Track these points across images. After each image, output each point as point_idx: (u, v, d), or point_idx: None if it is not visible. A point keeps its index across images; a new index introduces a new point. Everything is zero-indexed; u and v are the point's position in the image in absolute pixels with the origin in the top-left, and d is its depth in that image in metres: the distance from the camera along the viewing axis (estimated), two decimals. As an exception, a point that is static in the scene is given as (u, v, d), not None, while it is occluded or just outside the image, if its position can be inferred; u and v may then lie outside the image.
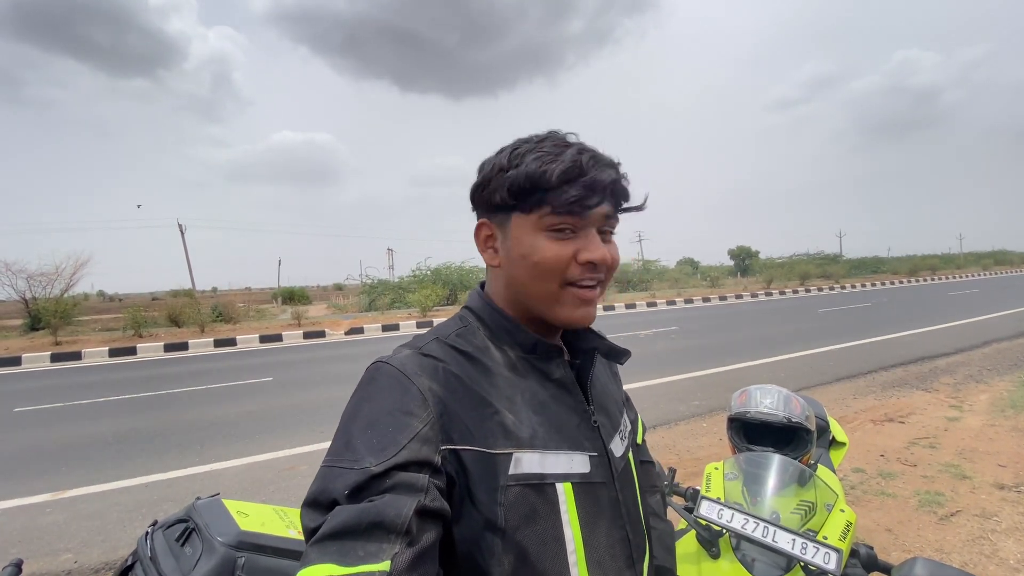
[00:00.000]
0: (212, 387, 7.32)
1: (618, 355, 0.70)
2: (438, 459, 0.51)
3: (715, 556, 1.13)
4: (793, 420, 1.47)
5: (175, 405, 6.36)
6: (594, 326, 0.70)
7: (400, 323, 14.48)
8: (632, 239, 52.90)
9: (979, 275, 34.26)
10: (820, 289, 24.55)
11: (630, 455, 0.72)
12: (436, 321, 14.77)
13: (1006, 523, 2.71)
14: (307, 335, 13.19)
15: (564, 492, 0.57)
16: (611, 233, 0.63)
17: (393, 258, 43.66)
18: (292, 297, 31.79)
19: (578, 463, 0.60)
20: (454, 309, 17.72)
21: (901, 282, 28.68)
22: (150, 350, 11.54)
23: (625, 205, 0.63)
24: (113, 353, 11.27)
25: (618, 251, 0.64)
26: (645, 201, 0.65)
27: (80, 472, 4.18)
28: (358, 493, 0.47)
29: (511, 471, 0.54)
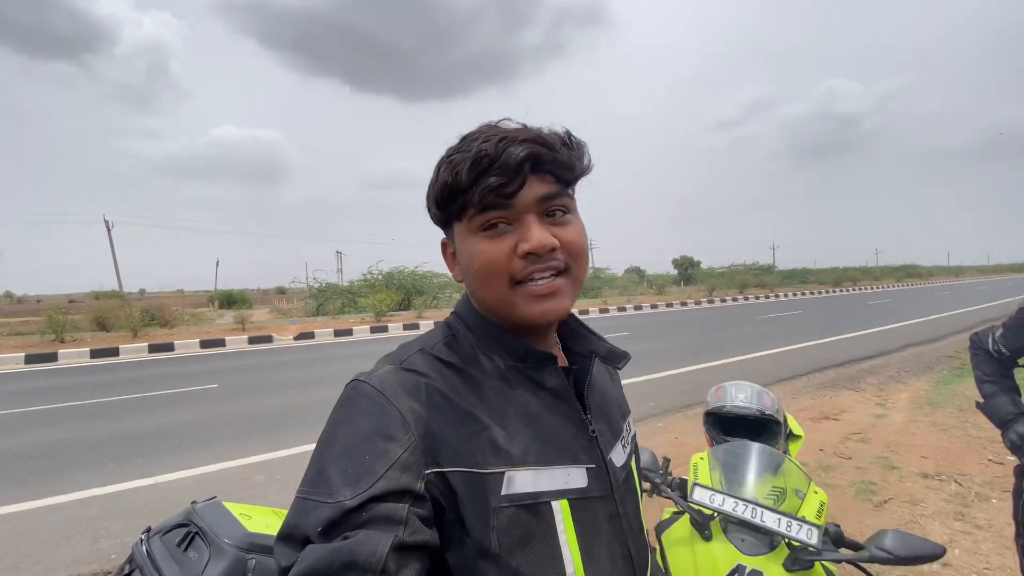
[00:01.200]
0: (150, 395, 6.86)
1: (617, 358, 0.66)
2: (420, 486, 0.48)
3: (708, 538, 1.22)
4: (766, 413, 1.60)
5: (109, 415, 5.91)
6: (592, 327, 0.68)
7: (353, 328, 14.09)
8: (583, 247, 53.85)
9: (893, 286, 37.51)
10: (757, 297, 26.05)
11: (632, 463, 0.68)
12: (391, 327, 14.52)
13: (932, 508, 3.01)
14: (253, 340, 12.60)
15: (560, 510, 0.54)
16: (565, 212, 0.57)
17: (342, 261, 42.46)
18: (232, 301, 30.23)
19: (575, 478, 0.57)
20: (409, 315, 17.60)
21: (827, 291, 30.98)
22: (74, 356, 10.64)
23: (565, 176, 0.56)
24: (30, 360, 10.30)
25: (577, 231, 0.57)
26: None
27: (2, 491, 3.82)
28: (332, 529, 0.44)
29: (503, 491, 0.51)
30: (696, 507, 1.24)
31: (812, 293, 29.31)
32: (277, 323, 16.54)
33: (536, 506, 0.53)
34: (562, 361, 0.66)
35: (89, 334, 13.50)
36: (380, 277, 22.59)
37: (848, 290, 32.68)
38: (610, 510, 0.59)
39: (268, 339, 12.82)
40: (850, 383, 6.47)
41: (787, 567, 1.12)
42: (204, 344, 11.98)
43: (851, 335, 10.69)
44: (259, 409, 5.94)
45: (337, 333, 13.62)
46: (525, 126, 0.57)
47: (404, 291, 20.99)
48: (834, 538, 1.19)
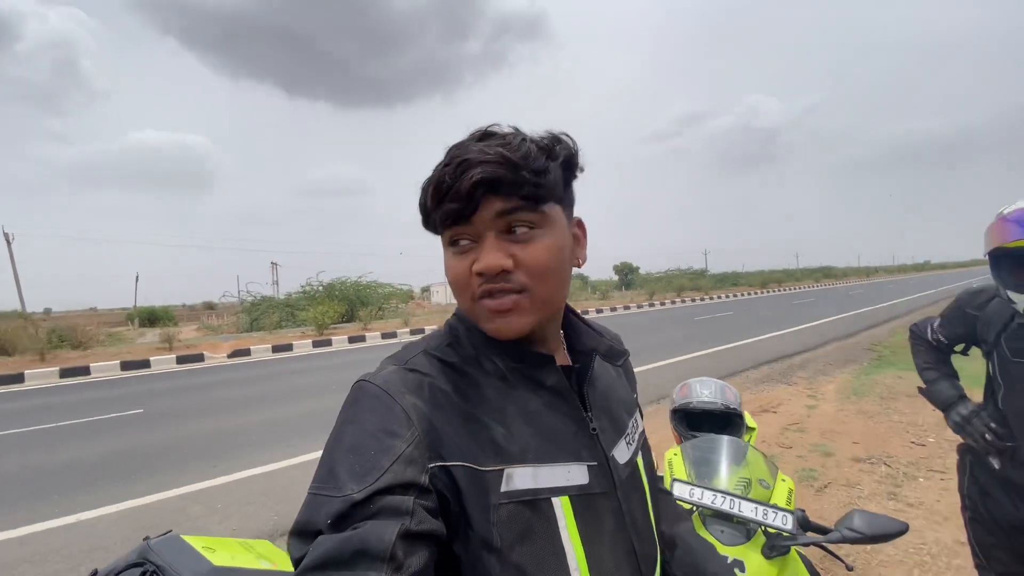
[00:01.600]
0: (65, 424, 6.20)
1: (615, 356, 0.69)
2: (425, 479, 0.50)
3: (689, 533, 1.24)
4: (730, 407, 1.67)
5: (15, 449, 5.28)
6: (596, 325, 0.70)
7: (293, 343, 13.45)
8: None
9: (813, 287, 40.55)
10: (693, 300, 27.36)
11: (638, 460, 0.69)
12: (335, 340, 13.99)
13: (867, 490, 3.25)
14: (182, 359, 11.73)
15: (561, 506, 0.55)
16: (531, 227, 0.56)
17: (278, 273, 40.46)
18: (154, 318, 28.05)
19: (575, 475, 0.58)
20: (353, 327, 17.02)
21: (756, 293, 33.02)
22: (-33, 385, 9.46)
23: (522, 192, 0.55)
24: (-88, 391, 9.05)
25: (540, 248, 0.56)
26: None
27: None
28: (341, 522, 0.46)
29: (503, 488, 0.53)
30: (675, 502, 1.26)
31: (743, 295, 31.15)
32: (208, 340, 15.51)
33: (536, 503, 0.54)
34: (565, 359, 0.68)
35: (-15, 360, 12.06)
36: (321, 288, 21.75)
37: (774, 291, 35.00)
38: (613, 506, 0.60)
39: (199, 358, 11.97)
40: (783, 377, 6.90)
41: (765, 554, 1.16)
42: (125, 366, 11.02)
43: (780, 332, 11.42)
44: (192, 434, 5.52)
45: (276, 349, 12.94)
46: (516, 130, 0.59)
47: (348, 302, 20.30)
48: (801, 522, 1.25)
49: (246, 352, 12.52)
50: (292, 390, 7.72)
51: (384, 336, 14.93)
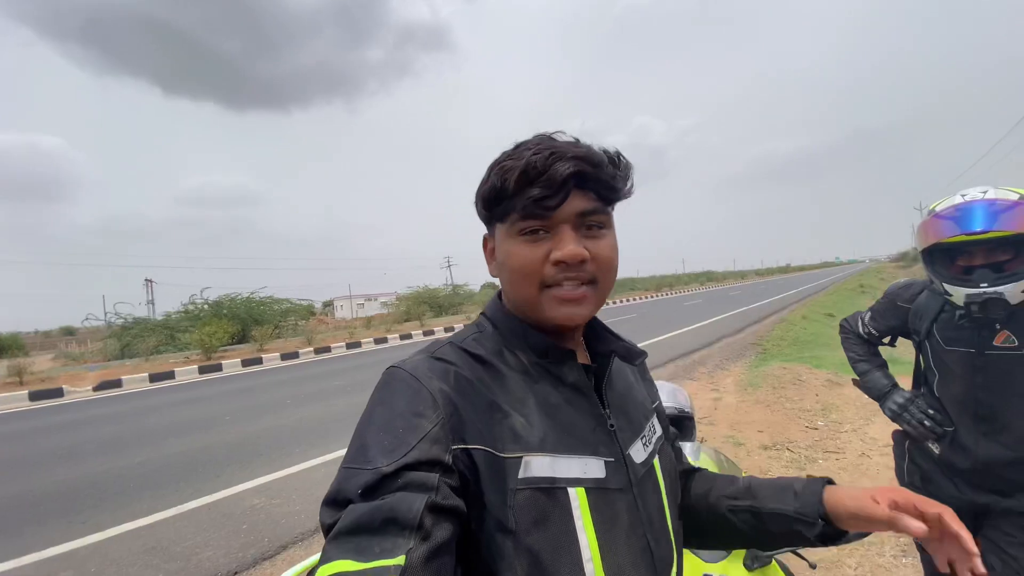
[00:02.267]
0: None
1: (632, 356, 0.70)
2: (449, 458, 0.52)
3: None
4: (685, 411, 1.68)
5: None
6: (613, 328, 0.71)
7: (176, 370, 11.93)
8: (441, 265, 54.47)
9: (698, 289, 44.49)
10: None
11: (655, 462, 0.68)
12: (226, 364, 12.65)
13: (777, 475, 3.51)
14: (35, 396, 9.91)
15: (577, 497, 0.56)
16: (601, 227, 0.61)
17: (153, 291, 35.96)
18: (4, 347, 23.57)
19: (592, 468, 0.59)
20: (247, 348, 15.54)
21: (651, 296, 35.46)
22: None
23: (607, 195, 0.61)
24: None
25: (609, 246, 0.61)
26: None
27: None
28: (371, 492, 0.48)
29: (520, 474, 0.55)
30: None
31: (640, 299, 33.29)
32: (68, 371, 13.31)
33: (552, 491, 0.56)
34: (585, 359, 0.70)
35: None
36: (206, 307, 19.67)
37: (667, 294, 37.85)
38: (629, 503, 0.61)
39: (58, 393, 10.17)
40: (687, 373, 7.39)
41: (747, 566, 1.14)
42: (-46, 409, 9.05)
43: (679, 331, 12.31)
44: (50, 485, 4.61)
45: (154, 378, 11.41)
46: (577, 141, 0.62)
47: (240, 321, 18.54)
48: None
49: (117, 383, 10.88)
50: (178, 424, 6.76)
51: (284, 357, 13.76)
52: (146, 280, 36.05)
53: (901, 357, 1.95)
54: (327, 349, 14.83)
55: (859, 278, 36.96)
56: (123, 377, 11.18)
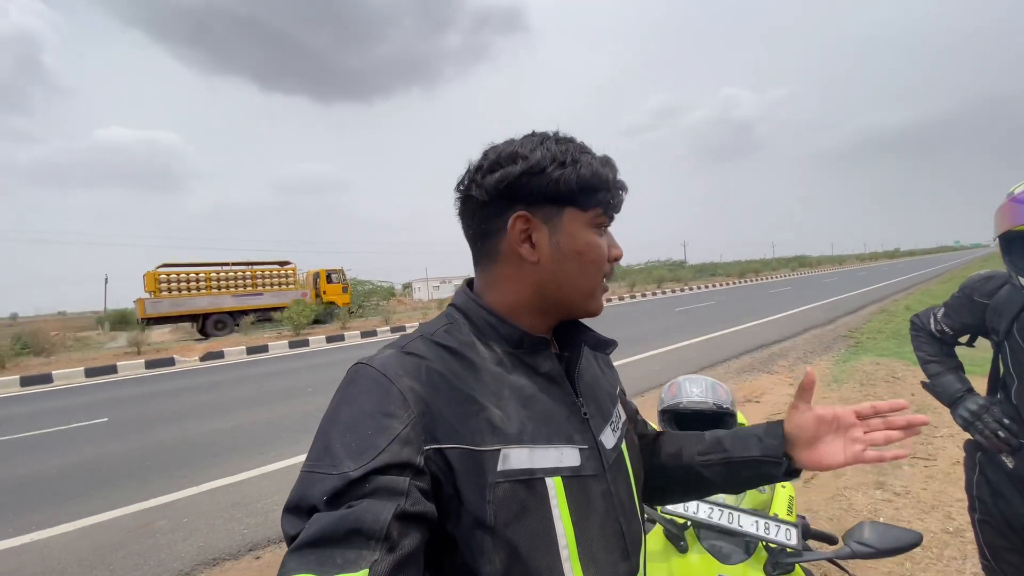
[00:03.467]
0: (21, 437, 5.87)
1: (604, 345, 0.70)
2: (420, 460, 0.51)
3: (683, 550, 1.13)
4: (723, 407, 1.56)
5: (-35, 465, 4.97)
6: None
7: (269, 344, 13.08)
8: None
9: (789, 276, 41.30)
10: (673, 291, 27.57)
11: (623, 446, 0.71)
12: (312, 340, 13.66)
13: (853, 480, 3.21)
14: (151, 364, 11.30)
15: (554, 486, 0.57)
16: None
17: (254, 273, 39.46)
18: (125, 321, 27.11)
19: (568, 456, 0.60)
20: (332, 327, 16.65)
21: (734, 283, 33.45)
22: (-81, 398, 8.94)
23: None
24: None
25: None
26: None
27: None
28: (337, 499, 0.46)
29: (499, 467, 0.54)
30: (668, 517, 1.14)
31: (721, 285, 31.51)
32: (181, 343, 15.04)
33: (531, 482, 0.56)
34: (555, 348, 0.69)
35: (-60, 370, 11.45)
36: (297, 287, 21.25)
37: (751, 281, 35.51)
38: (602, 488, 0.62)
39: (169, 362, 11.56)
40: (764, 366, 6.91)
41: (768, 572, 1.05)
42: (90, 372, 10.55)
43: (759, 322, 11.52)
44: (158, 443, 5.26)
45: (251, 351, 12.58)
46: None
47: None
48: (803, 531, 1.15)
49: (219, 355, 12.13)
50: (266, 393, 7.44)
51: (364, 335, 14.62)
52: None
53: (980, 359, 1.68)
54: (402, 328, 15.54)
55: (981, 264, 32.47)
56: (225, 349, 12.44)
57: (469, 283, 0.69)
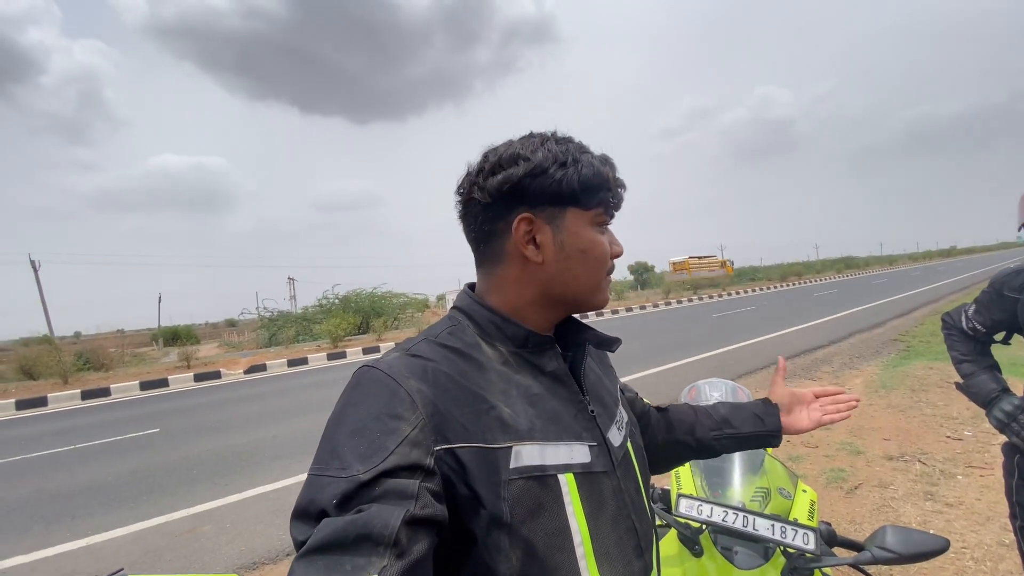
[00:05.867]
0: (81, 446, 6.25)
1: (609, 343, 0.70)
2: (430, 461, 0.51)
3: (698, 554, 1.11)
4: (744, 410, 1.52)
5: (33, 472, 5.32)
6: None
7: (308, 356, 13.49)
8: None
9: (834, 278, 39.59)
10: (711, 297, 26.86)
11: (629, 445, 0.72)
12: (349, 352, 14.00)
13: (901, 490, 3.04)
14: (199, 377, 11.83)
15: (567, 483, 0.57)
16: None
17: (295, 288, 40.91)
18: (176, 337, 28.51)
19: (578, 453, 0.60)
20: (368, 338, 17.04)
21: (775, 287, 32.28)
22: (-6, 410, 9.65)
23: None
24: (-58, 418, 9.25)
25: None
26: None
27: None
28: (347, 502, 0.46)
29: (512, 464, 0.54)
30: (683, 520, 1.13)
31: (762, 289, 30.49)
32: (227, 357, 15.67)
33: (544, 478, 0.56)
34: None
35: (14, 384, 12.34)
36: (336, 301, 21.87)
37: (794, 284, 34.19)
38: (613, 485, 0.63)
39: (216, 375, 12.07)
40: (807, 373, 6.65)
41: (786, 577, 1.02)
42: (144, 386, 11.14)
43: (802, 326, 11.09)
44: (204, 452, 5.50)
45: (291, 363, 13.00)
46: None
47: (362, 314, 20.37)
48: (827, 538, 1.11)
49: (262, 368, 12.59)
50: (304, 404, 7.68)
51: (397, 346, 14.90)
52: (289, 278, 41.16)
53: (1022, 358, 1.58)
54: (436, 340, 15.74)
55: (1050, 262, 30.25)
56: (267, 362, 12.90)
57: (471, 286, 0.69)
